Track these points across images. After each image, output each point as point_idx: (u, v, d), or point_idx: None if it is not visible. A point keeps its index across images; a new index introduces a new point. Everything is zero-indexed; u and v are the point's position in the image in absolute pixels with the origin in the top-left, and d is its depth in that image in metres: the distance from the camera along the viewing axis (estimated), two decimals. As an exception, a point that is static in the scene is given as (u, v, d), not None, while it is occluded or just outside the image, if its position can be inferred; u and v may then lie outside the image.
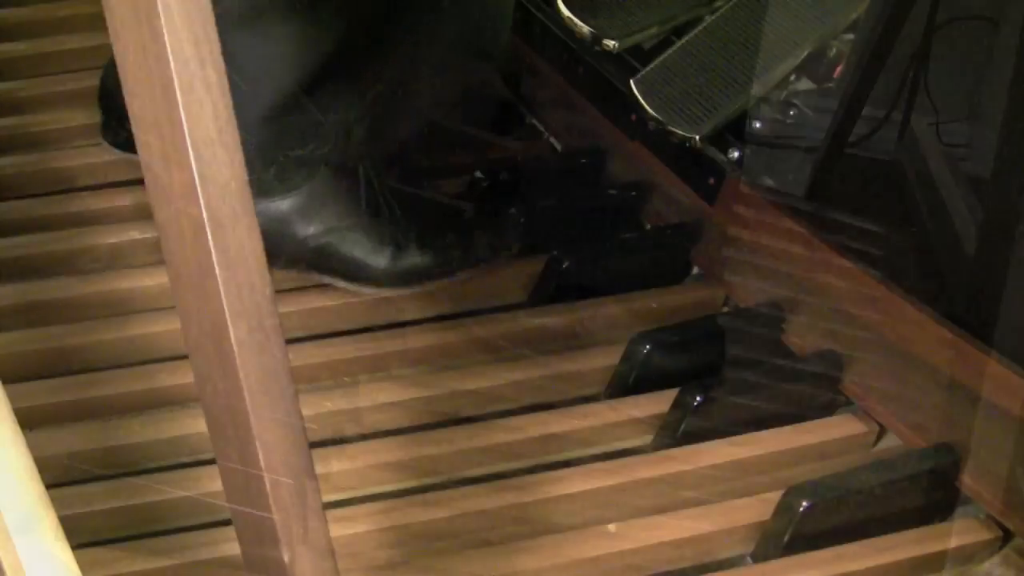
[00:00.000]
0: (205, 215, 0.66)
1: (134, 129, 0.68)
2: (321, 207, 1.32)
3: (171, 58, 0.64)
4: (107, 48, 0.69)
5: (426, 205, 1.41)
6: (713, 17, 1.42)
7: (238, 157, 0.66)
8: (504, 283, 1.39)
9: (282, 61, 1.29)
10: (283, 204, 1.32)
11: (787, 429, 1.23)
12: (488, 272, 1.38)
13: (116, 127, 1.49)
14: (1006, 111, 1.19)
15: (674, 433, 1.21)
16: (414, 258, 1.34)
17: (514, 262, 1.40)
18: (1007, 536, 1.14)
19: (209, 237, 0.66)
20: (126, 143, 1.48)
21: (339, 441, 1.21)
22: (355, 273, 1.34)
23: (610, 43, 1.42)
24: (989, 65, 1.40)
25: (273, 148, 1.32)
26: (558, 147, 1.59)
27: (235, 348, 0.67)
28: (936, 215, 1.34)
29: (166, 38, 0.64)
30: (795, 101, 1.34)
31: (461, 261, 1.36)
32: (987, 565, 1.13)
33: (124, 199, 1.46)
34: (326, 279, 1.35)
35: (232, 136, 0.66)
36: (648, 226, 1.47)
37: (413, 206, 1.38)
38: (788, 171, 1.36)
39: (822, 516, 1.12)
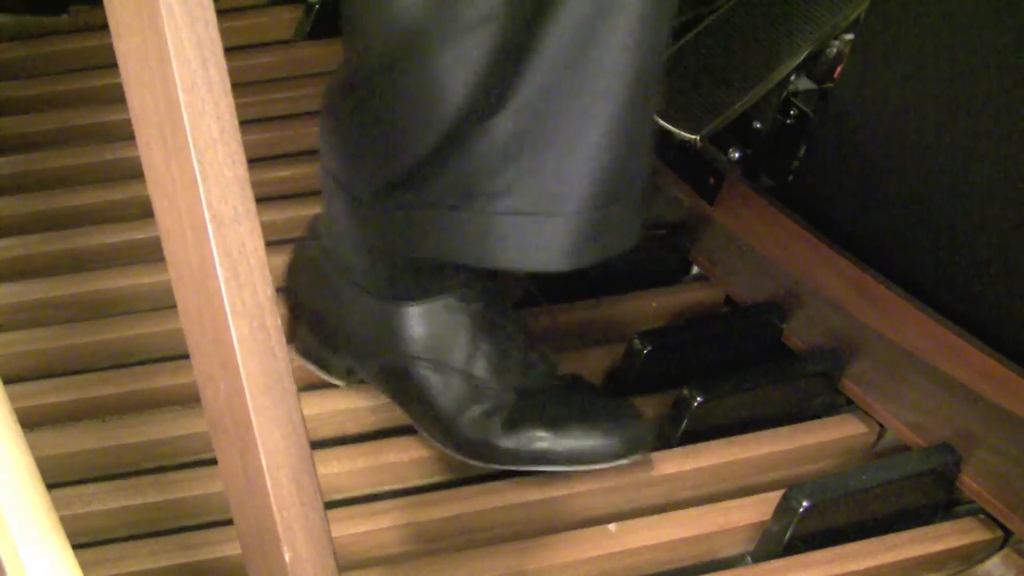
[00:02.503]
0: (207, 214, 0.66)
1: (135, 127, 0.68)
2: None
3: (173, 58, 0.65)
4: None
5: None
6: (713, 17, 1.42)
7: (240, 156, 0.66)
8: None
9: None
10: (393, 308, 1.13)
11: (787, 429, 1.23)
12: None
13: (302, 334, 1.24)
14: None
15: (674, 433, 1.21)
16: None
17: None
18: (1007, 536, 1.14)
19: (211, 236, 0.66)
20: (308, 352, 1.23)
21: (339, 440, 1.21)
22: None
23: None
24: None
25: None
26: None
27: (236, 347, 0.68)
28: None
29: (168, 38, 0.64)
30: (795, 101, 1.34)
31: None
32: (987, 565, 1.13)
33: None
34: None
35: (234, 135, 0.66)
36: (648, 226, 1.47)
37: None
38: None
39: (822, 516, 1.12)
